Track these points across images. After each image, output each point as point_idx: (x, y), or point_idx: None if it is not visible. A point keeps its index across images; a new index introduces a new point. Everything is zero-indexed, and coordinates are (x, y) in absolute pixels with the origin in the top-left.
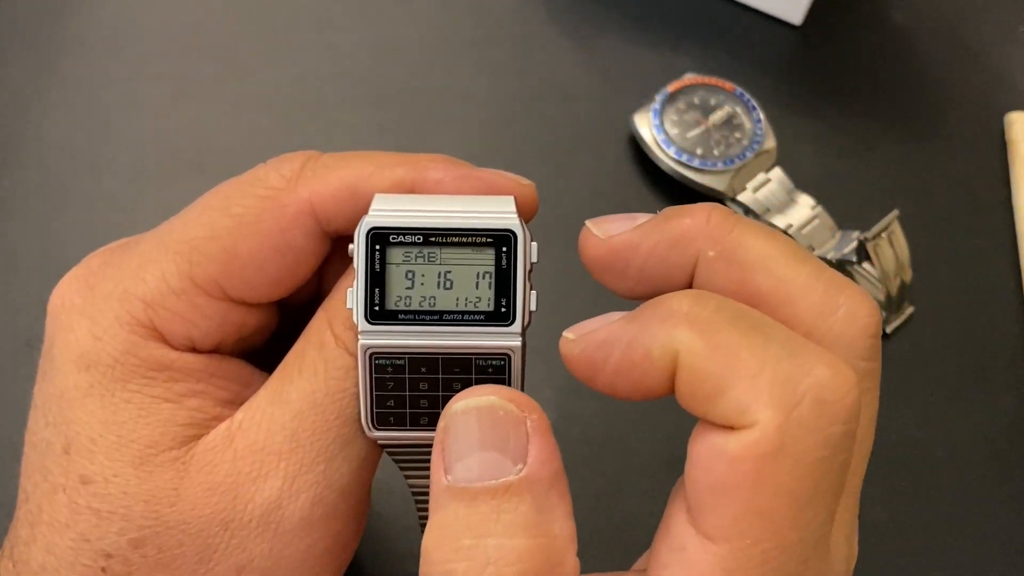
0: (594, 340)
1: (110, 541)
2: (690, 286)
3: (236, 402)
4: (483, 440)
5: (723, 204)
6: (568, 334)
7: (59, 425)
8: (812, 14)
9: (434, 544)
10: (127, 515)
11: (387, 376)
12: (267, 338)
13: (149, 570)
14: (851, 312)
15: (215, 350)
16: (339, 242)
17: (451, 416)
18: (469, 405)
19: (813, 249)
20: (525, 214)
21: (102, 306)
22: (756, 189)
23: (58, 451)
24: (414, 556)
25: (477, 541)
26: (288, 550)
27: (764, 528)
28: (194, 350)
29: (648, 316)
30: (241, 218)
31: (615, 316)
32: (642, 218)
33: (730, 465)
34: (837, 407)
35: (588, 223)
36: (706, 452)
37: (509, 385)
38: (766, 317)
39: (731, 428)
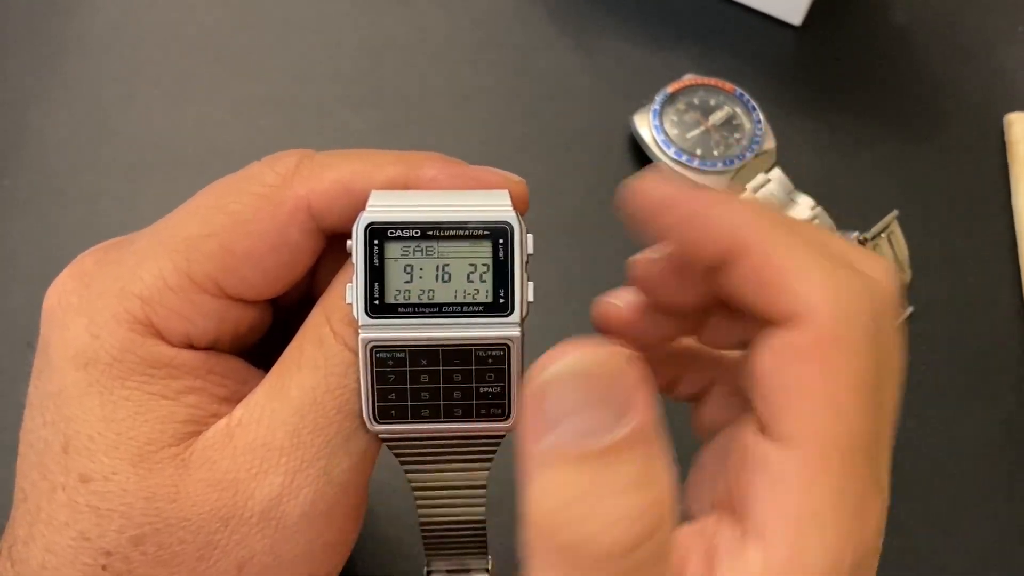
0: (675, 187)
1: (110, 539)
2: None
3: (233, 399)
4: (590, 399)
5: None
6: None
7: (57, 423)
8: (812, 14)
9: (550, 511)
10: (127, 513)
11: (388, 369)
12: (261, 336)
13: (150, 567)
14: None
15: (211, 347)
16: (331, 240)
17: (549, 380)
18: (571, 367)
19: None
20: (521, 207)
21: (99, 304)
22: (756, 190)
23: (57, 450)
24: (414, 556)
25: (597, 502)
26: (288, 546)
27: (838, 421)
28: (191, 347)
29: (721, 196)
30: (238, 215)
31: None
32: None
33: (797, 357)
34: (887, 304)
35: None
36: (773, 351)
37: (509, 378)
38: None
39: (787, 325)
